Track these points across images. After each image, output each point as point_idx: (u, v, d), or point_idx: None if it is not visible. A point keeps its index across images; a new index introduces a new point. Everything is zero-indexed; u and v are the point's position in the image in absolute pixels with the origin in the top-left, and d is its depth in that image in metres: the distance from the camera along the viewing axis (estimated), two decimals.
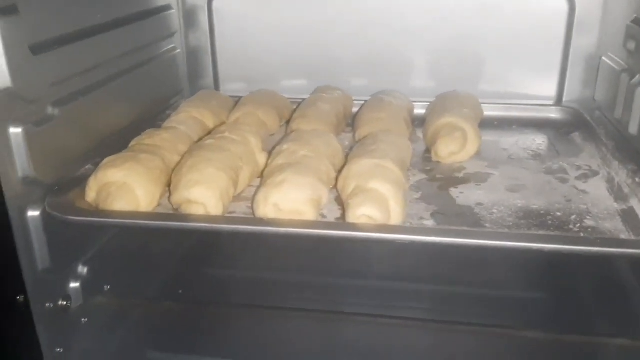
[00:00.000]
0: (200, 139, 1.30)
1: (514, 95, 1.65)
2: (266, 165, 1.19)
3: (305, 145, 1.18)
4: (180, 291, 1.33)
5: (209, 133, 1.34)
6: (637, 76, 1.29)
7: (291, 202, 1.03)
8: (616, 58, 1.44)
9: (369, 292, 1.27)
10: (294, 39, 1.70)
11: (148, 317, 1.28)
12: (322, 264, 1.19)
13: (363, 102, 1.56)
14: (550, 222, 1.07)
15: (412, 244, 0.94)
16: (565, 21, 1.58)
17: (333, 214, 1.11)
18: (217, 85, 1.78)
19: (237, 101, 1.58)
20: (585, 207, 1.12)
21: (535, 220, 1.07)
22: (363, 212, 0.99)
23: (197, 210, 1.04)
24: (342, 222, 1.04)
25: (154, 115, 1.53)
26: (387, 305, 1.23)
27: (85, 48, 1.23)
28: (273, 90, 1.60)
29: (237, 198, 1.16)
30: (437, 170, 1.30)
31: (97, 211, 1.05)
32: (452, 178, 1.26)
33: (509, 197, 1.16)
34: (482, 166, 1.31)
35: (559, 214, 1.10)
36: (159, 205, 1.13)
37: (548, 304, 1.27)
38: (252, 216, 1.06)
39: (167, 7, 1.62)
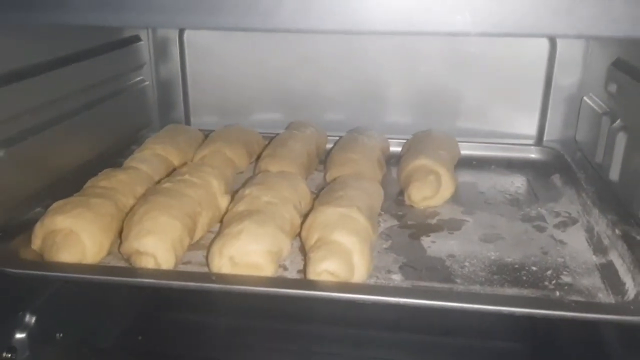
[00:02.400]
0: (162, 179, 1.23)
1: (494, 134, 1.61)
2: (227, 210, 1.13)
3: (269, 190, 1.11)
4: (140, 337, 1.25)
5: (174, 171, 1.28)
6: (619, 120, 1.24)
7: (248, 255, 0.96)
8: (598, 100, 1.40)
9: (344, 342, 1.19)
10: (268, 72, 1.65)
11: None
12: (292, 309, 1.10)
13: (338, 137, 1.50)
14: (524, 277, 1.01)
15: (374, 304, 0.87)
16: (546, 60, 1.54)
17: (296, 265, 1.04)
18: (187, 118, 1.72)
19: (207, 135, 1.52)
20: (563, 260, 1.06)
21: (509, 275, 1.01)
22: (324, 268, 0.93)
23: (146, 262, 0.97)
24: (298, 279, 0.98)
25: (119, 150, 1.47)
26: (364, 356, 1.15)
27: (39, 83, 1.17)
28: (243, 127, 1.54)
29: (194, 245, 1.09)
30: (409, 216, 1.24)
31: (37, 263, 0.98)
32: (424, 225, 1.20)
33: (483, 249, 1.10)
34: (457, 212, 1.25)
35: (534, 268, 1.03)
36: (109, 254, 1.05)
37: (527, 354, 1.19)
38: (207, 267, 0.99)
39: (136, 39, 1.57)
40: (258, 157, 1.44)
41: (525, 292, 0.97)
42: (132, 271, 0.96)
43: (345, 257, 0.95)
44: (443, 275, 1.01)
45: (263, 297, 0.89)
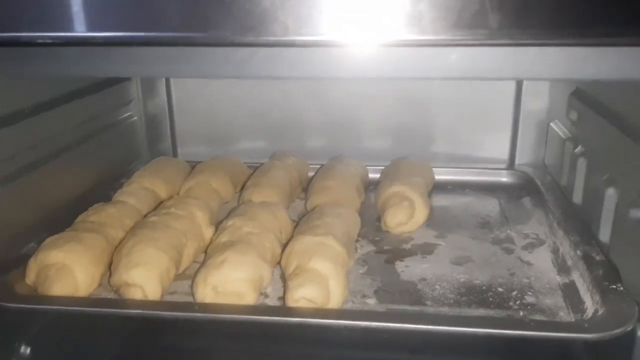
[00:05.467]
0: (150, 211, 1.30)
1: (467, 159, 1.68)
2: (211, 240, 1.19)
3: (250, 221, 1.18)
4: None
5: (161, 203, 1.34)
6: (580, 146, 1.32)
7: (230, 284, 1.02)
8: (562, 126, 1.48)
9: None
10: (252, 103, 1.72)
11: None
12: (274, 334, 1.15)
13: (320, 165, 1.57)
14: (491, 298, 1.07)
15: (347, 328, 0.93)
16: (514, 90, 1.62)
17: (277, 292, 1.10)
18: (175, 149, 1.79)
19: (193, 167, 1.58)
20: (528, 281, 1.13)
21: (477, 296, 1.08)
22: (301, 295, 0.99)
23: (134, 293, 1.03)
24: (276, 307, 1.04)
25: (109, 184, 1.53)
26: None
27: (33, 124, 1.24)
28: (228, 157, 1.61)
29: (180, 276, 1.15)
30: (385, 241, 1.30)
31: (31, 297, 1.04)
32: (399, 250, 1.26)
33: (453, 271, 1.16)
34: (430, 236, 1.32)
35: (500, 289, 1.10)
36: (100, 285, 1.11)
37: None
38: (192, 296, 1.05)
39: (124, 78, 1.64)
40: (242, 187, 1.50)
41: (492, 312, 1.03)
42: (121, 303, 1.02)
43: (322, 284, 1.01)
44: (414, 298, 1.08)
45: (245, 324, 0.95)
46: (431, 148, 1.69)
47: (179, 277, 1.14)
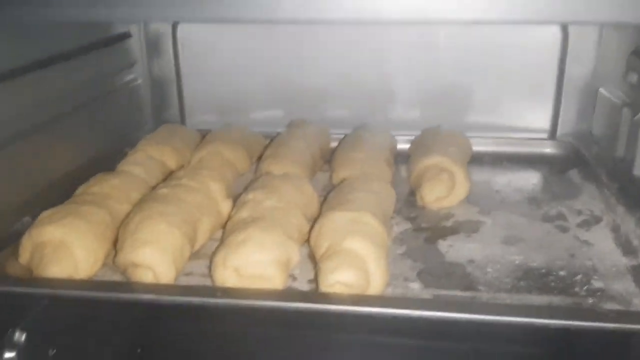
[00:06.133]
0: (158, 183, 1.16)
1: (505, 128, 1.53)
2: (229, 216, 1.05)
3: (273, 194, 1.04)
4: (139, 350, 1.17)
5: (170, 175, 1.20)
6: None
7: (254, 266, 0.88)
8: (616, 91, 1.33)
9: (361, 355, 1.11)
10: (268, 67, 1.56)
11: None
12: (305, 323, 1.00)
13: (343, 135, 1.42)
14: (553, 283, 0.93)
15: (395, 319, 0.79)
16: (558, 50, 1.46)
17: (306, 274, 0.97)
18: (183, 118, 1.63)
19: (204, 136, 1.43)
20: (591, 263, 0.99)
21: (536, 281, 0.94)
22: (337, 279, 0.85)
23: (144, 275, 0.89)
24: (309, 292, 0.90)
25: (111, 154, 1.39)
26: None
27: (25, 85, 1.09)
28: (244, 126, 1.46)
29: (196, 255, 1.02)
30: (422, 218, 1.16)
31: (24, 279, 0.90)
32: (439, 227, 1.12)
33: (505, 252, 1.03)
34: (473, 212, 1.18)
35: (562, 273, 0.96)
36: (103, 266, 0.98)
37: None
38: (210, 279, 0.91)
39: (126, 35, 1.49)
40: (259, 158, 1.36)
41: (556, 300, 0.90)
42: (128, 286, 0.88)
43: (360, 266, 0.87)
44: (465, 283, 0.94)
45: (273, 312, 0.81)
46: (465, 117, 1.54)
47: (193, 256, 1.00)
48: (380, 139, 1.36)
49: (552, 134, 1.53)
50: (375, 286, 0.87)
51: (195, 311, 0.82)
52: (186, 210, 1.00)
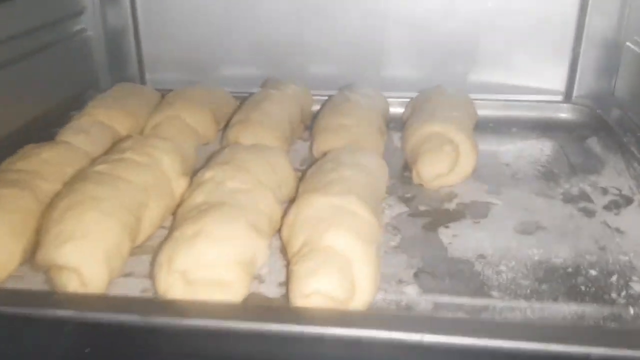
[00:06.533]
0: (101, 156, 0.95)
1: (513, 89, 1.35)
2: (181, 199, 0.85)
3: (237, 172, 0.84)
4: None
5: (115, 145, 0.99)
6: None
7: (207, 269, 0.69)
8: None
9: None
10: (241, 17, 1.37)
11: None
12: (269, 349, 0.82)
13: (327, 97, 1.23)
14: (583, 286, 0.75)
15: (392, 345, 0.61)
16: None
17: (277, 274, 0.78)
18: (142, 75, 1.45)
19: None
20: (627, 258, 0.81)
21: (563, 284, 0.76)
22: (314, 287, 0.66)
23: (67, 280, 0.70)
24: (277, 308, 0.70)
25: (55, 118, 1.18)
26: None
27: None
28: (209, 85, 1.25)
29: (141, 249, 0.82)
30: (420, 198, 0.97)
31: None
32: (440, 211, 0.93)
33: (521, 244, 0.84)
34: (480, 191, 0.99)
35: (593, 272, 0.78)
36: (24, 262, 0.78)
37: None
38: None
39: None
40: (228, 124, 1.15)
41: (589, 310, 0.71)
42: (37, 297, 0.69)
43: (343, 270, 0.68)
44: (473, 286, 0.76)
45: (229, 335, 0.62)
46: (468, 75, 1.36)
47: (138, 250, 0.81)
48: (370, 102, 1.16)
49: (568, 95, 1.34)
50: (363, 296, 0.68)
51: (125, 331, 0.63)
52: (128, 193, 0.80)
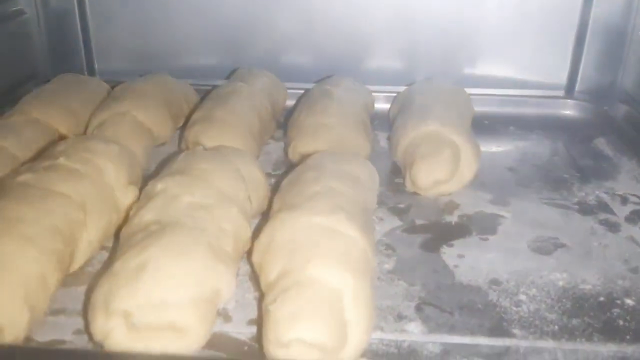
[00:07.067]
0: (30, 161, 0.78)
1: (510, 83, 1.24)
2: (128, 215, 0.69)
3: (196, 183, 0.68)
4: None
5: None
6: None
7: (156, 311, 0.54)
8: None
9: None
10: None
11: None
12: None
13: (302, 92, 1.10)
14: (621, 322, 0.62)
15: None
16: None
17: (245, 310, 0.63)
18: (91, 66, 1.31)
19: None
20: None
21: (596, 317, 0.63)
22: (296, 336, 0.51)
23: None
24: None
25: None
26: None
27: None
28: (166, 77, 1.09)
29: (76, 278, 0.66)
30: (415, 210, 0.83)
31: None
32: (441, 225, 0.80)
33: (540, 266, 0.71)
34: (484, 201, 0.86)
35: (629, 302, 0.65)
36: None
37: None
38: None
39: None
40: (187, 122, 0.99)
41: (630, 350, 0.58)
42: None
43: (333, 312, 0.53)
44: (490, 322, 0.62)
45: None
46: (462, 68, 1.25)
47: (71, 279, 0.65)
48: (354, 97, 1.03)
49: (569, 90, 1.23)
50: (356, 343, 0.54)
51: None
52: (59, 210, 0.64)
